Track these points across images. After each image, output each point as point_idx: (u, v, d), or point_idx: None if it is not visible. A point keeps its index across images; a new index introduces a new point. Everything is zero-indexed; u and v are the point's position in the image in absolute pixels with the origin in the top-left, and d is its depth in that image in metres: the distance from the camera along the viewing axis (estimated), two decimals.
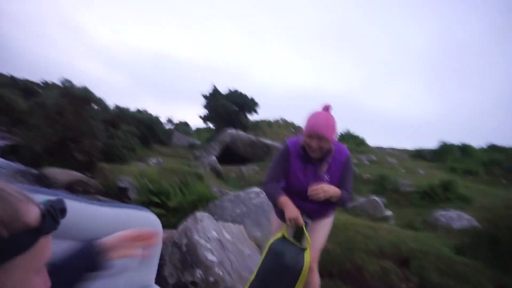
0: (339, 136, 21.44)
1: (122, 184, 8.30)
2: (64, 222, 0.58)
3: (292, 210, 1.92)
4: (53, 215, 0.54)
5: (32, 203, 0.53)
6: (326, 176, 1.99)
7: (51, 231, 0.54)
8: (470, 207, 8.74)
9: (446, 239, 6.06)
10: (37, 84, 17.84)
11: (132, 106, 28.76)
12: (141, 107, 20.44)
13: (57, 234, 0.58)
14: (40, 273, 0.55)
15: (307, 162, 1.99)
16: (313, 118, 1.89)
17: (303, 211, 2.04)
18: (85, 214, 1.06)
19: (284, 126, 21.43)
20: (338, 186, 2.02)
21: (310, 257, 2.03)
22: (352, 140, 20.27)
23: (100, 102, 12.59)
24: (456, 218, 7.22)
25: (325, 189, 1.89)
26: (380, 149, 22.08)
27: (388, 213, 8.30)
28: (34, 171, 10.18)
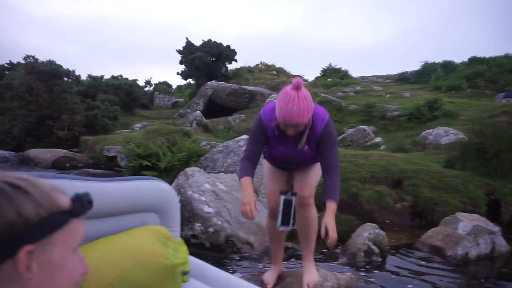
0: (322, 72, 21.13)
1: (109, 154, 8.17)
2: None
3: (245, 196, 1.85)
4: (81, 202, 0.61)
5: (60, 191, 0.61)
6: (306, 148, 1.96)
7: (82, 214, 0.61)
8: (456, 122, 8.90)
9: (435, 156, 6.21)
10: (2, 67, 16.71)
11: (106, 74, 27.66)
12: (115, 73, 19.50)
13: None
14: (77, 254, 0.63)
15: (285, 136, 1.92)
16: (285, 105, 1.72)
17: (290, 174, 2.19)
18: (93, 192, 1.00)
19: (265, 69, 20.95)
20: (319, 155, 1.98)
21: (305, 193, 2.07)
22: (336, 74, 19.99)
23: (70, 74, 12.00)
24: (443, 134, 7.35)
25: (333, 236, 1.70)
26: (364, 79, 21.96)
27: (378, 139, 8.41)
28: (17, 154, 9.94)
